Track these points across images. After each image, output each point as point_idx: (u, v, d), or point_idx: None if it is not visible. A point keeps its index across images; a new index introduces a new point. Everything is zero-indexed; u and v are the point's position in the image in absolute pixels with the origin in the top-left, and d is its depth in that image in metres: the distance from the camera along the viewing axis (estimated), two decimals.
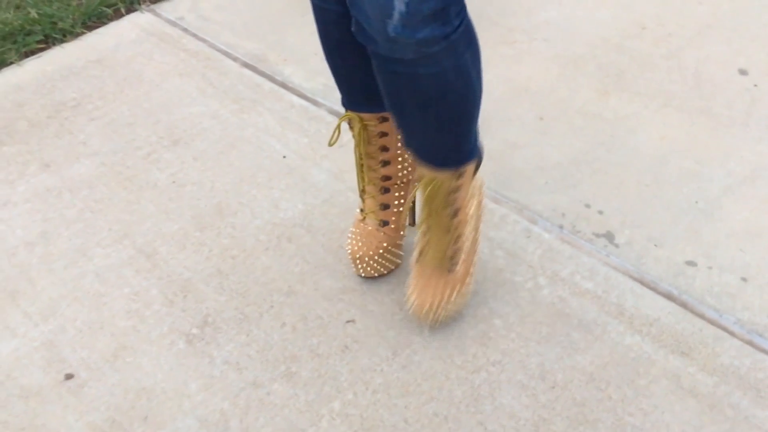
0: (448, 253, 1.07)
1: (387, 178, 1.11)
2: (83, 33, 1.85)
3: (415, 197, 1.17)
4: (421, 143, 0.96)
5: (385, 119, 1.05)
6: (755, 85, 1.53)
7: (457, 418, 0.98)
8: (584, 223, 1.25)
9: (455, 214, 1.04)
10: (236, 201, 1.34)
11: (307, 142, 1.46)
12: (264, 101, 1.58)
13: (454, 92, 0.89)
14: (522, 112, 1.50)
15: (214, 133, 1.51)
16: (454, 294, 1.08)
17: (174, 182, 1.40)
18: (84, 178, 1.42)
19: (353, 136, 1.08)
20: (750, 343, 1.05)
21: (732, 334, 1.06)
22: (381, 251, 1.13)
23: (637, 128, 1.45)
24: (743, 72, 1.57)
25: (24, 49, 1.79)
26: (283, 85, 1.62)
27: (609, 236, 1.23)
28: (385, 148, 1.08)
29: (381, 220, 1.14)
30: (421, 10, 0.77)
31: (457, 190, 1.01)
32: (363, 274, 1.15)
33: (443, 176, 0.98)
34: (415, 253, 1.10)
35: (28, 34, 1.82)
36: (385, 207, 1.13)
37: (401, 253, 1.18)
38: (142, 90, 1.64)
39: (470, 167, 1.01)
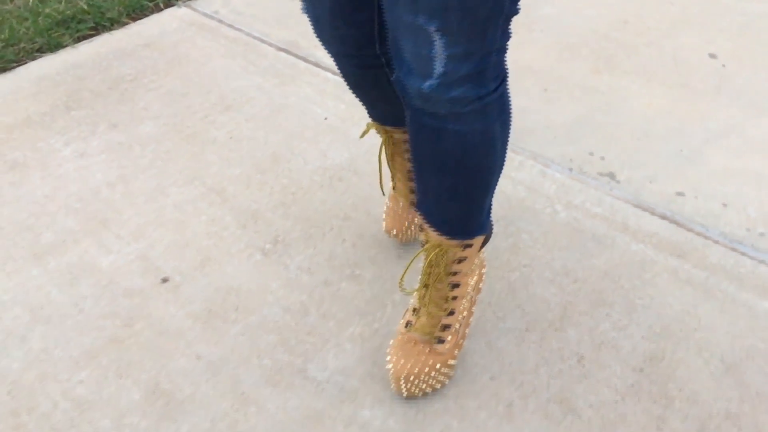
0: (440, 326, 1.03)
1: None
2: (128, 23, 2.05)
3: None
4: (433, 206, 0.95)
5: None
6: (723, 66, 1.80)
7: (499, 304, 1.19)
8: (589, 166, 1.49)
9: (456, 285, 1.01)
10: (289, 152, 1.55)
11: (345, 107, 1.67)
12: (302, 76, 1.79)
13: (476, 156, 0.88)
14: (528, 85, 1.75)
15: (261, 100, 1.71)
16: (437, 368, 1.03)
17: (231, 138, 1.59)
18: (150, 135, 1.61)
19: (381, 141, 1.14)
20: (732, 248, 1.28)
21: (717, 242, 1.29)
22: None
23: (628, 97, 1.70)
24: (713, 56, 1.85)
25: (77, 35, 1.98)
26: (317, 65, 1.83)
27: (611, 175, 1.46)
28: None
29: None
30: (458, 71, 0.78)
31: (461, 260, 0.99)
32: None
33: (450, 244, 0.97)
34: (405, 318, 1.07)
35: (80, 21, 2.02)
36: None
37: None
38: (190, 68, 1.85)
39: (478, 240, 1.00)
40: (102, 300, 1.21)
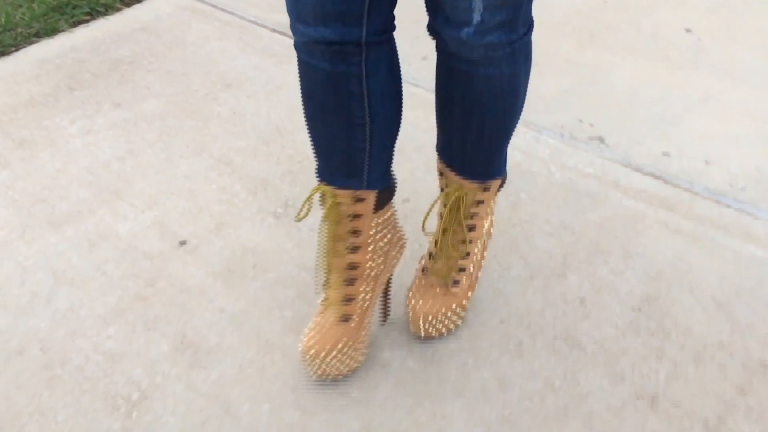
0: (456, 268, 1.09)
1: (353, 266, 0.99)
2: (122, 8, 2.09)
3: (387, 291, 1.09)
4: (457, 151, 1.00)
5: (359, 200, 0.95)
6: (699, 40, 1.90)
7: (503, 255, 1.26)
8: (579, 132, 1.56)
9: (472, 228, 1.06)
10: (291, 125, 1.60)
11: None
12: None
13: (503, 99, 0.93)
14: None
15: (260, 79, 1.76)
16: (453, 309, 1.09)
17: (234, 113, 1.64)
18: (154, 113, 1.65)
19: (323, 215, 0.97)
20: (716, 201, 1.37)
21: (702, 196, 1.38)
22: (339, 348, 1.00)
23: (611, 70, 1.79)
24: (689, 31, 1.94)
25: (72, 20, 2.01)
26: None
27: (600, 139, 1.54)
28: (355, 232, 0.97)
29: (343, 314, 1.01)
30: (494, 19, 0.83)
31: (480, 204, 1.04)
32: (313, 377, 1.02)
33: (470, 187, 1.02)
34: (422, 262, 1.12)
35: (75, 7, 2.05)
36: (349, 300, 1.01)
37: (363, 352, 1.04)
38: (188, 50, 1.89)
39: (496, 183, 1.04)
40: (123, 263, 1.25)
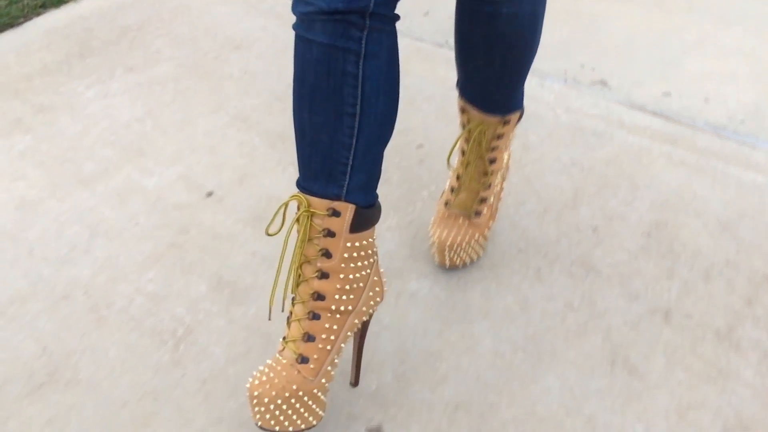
0: (478, 199, 1.15)
1: (320, 296, 0.88)
2: None
3: (361, 346, 0.97)
4: (479, 87, 1.04)
5: (336, 213, 0.86)
6: None
7: (518, 192, 1.32)
8: (582, 76, 1.62)
9: (493, 160, 1.12)
10: None
11: None
12: None
13: (523, 38, 0.98)
14: None
15: (267, 40, 1.81)
16: (476, 238, 1.15)
17: (246, 73, 1.69)
18: (167, 75, 1.69)
19: (296, 228, 0.88)
20: (717, 134, 1.43)
21: (703, 131, 1.44)
22: (287, 395, 0.87)
23: (608, 18, 1.84)
24: None
25: None
26: None
27: (603, 82, 1.60)
28: (327, 254, 0.87)
29: (300, 355, 0.88)
30: None
31: (500, 137, 1.10)
32: (259, 423, 0.87)
33: (492, 121, 1.07)
34: (443, 198, 1.17)
35: None
36: (309, 338, 0.89)
37: (317, 410, 0.90)
38: (193, 15, 1.92)
39: (515, 116, 1.11)
40: (154, 214, 1.31)
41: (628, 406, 0.97)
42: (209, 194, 1.35)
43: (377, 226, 1.25)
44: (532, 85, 1.59)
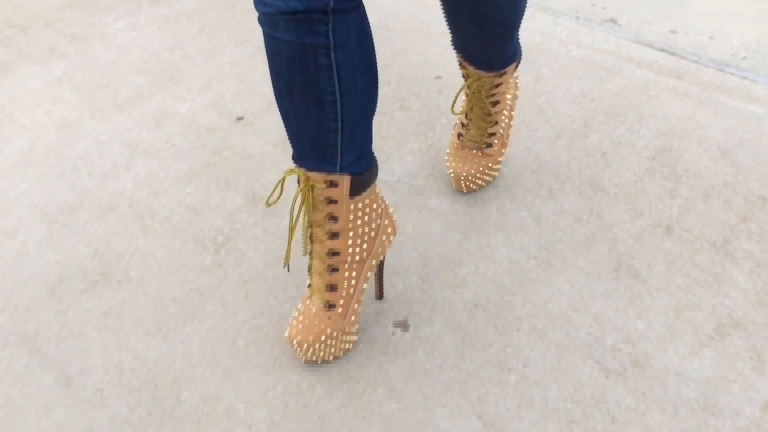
0: (487, 134, 1.22)
1: (334, 253, 0.95)
2: None
3: (381, 272, 1.06)
4: (472, 49, 1.09)
5: (333, 184, 0.89)
6: None
7: (531, 121, 1.40)
8: (593, 15, 1.69)
9: (496, 103, 1.19)
10: None
11: None
12: None
13: (508, 10, 1.01)
14: None
15: None
16: (490, 166, 1.23)
17: None
18: (193, 9, 1.75)
19: (300, 197, 0.95)
20: (720, 70, 1.51)
21: (707, 66, 1.52)
22: (323, 338, 0.97)
23: None
24: None
25: None
26: None
27: (613, 20, 1.66)
28: (333, 218, 0.92)
29: (327, 302, 0.97)
30: None
31: (499, 85, 1.16)
32: (303, 361, 1.00)
33: (488, 75, 1.13)
34: (456, 129, 1.25)
35: None
36: (332, 288, 0.97)
37: (352, 337, 1.01)
38: None
39: (511, 68, 1.16)
40: (188, 136, 1.39)
41: (630, 305, 1.07)
42: (239, 119, 1.43)
43: (398, 150, 1.34)
44: (545, 22, 1.66)
